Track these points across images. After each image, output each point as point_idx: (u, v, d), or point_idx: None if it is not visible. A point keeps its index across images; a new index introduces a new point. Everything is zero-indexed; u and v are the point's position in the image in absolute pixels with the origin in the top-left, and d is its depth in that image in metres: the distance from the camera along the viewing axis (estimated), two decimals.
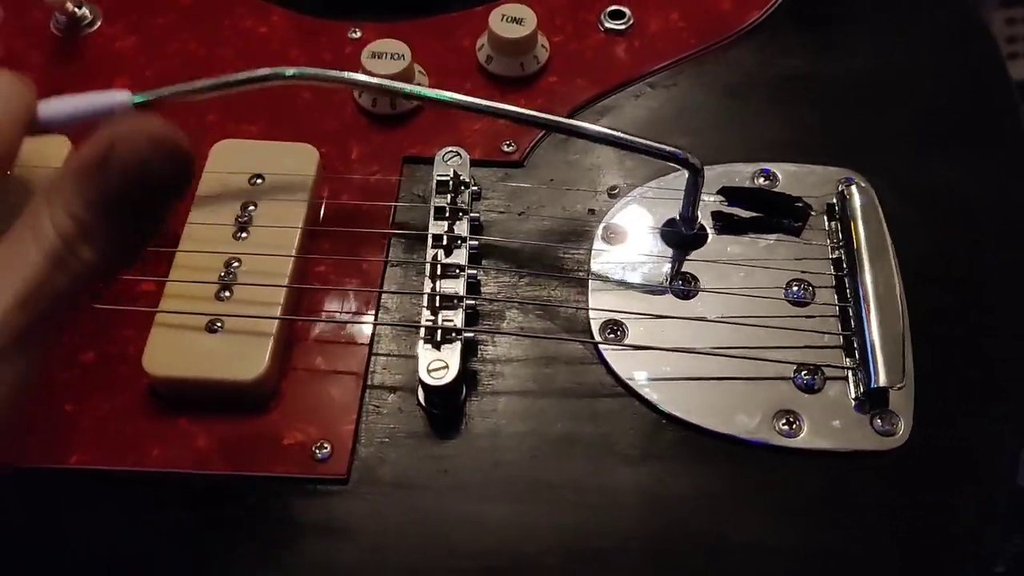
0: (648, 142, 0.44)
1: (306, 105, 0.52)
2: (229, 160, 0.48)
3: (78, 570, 0.39)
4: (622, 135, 0.44)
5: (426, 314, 0.43)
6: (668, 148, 0.43)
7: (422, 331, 0.42)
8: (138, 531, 0.40)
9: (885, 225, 0.47)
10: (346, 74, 0.45)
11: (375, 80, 0.46)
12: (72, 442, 0.41)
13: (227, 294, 0.44)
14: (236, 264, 0.44)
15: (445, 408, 0.43)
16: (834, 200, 0.49)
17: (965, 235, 0.48)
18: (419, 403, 0.43)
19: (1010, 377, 0.44)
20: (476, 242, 0.46)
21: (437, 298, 0.43)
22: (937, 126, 0.52)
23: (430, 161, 0.48)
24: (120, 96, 0.42)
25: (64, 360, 0.43)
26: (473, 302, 0.44)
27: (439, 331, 0.42)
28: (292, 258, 0.45)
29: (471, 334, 0.43)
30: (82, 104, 0.41)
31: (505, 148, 0.50)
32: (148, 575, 0.39)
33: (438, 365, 0.42)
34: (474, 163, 0.49)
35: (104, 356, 0.44)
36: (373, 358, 0.44)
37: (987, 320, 0.45)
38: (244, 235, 0.46)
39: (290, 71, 0.44)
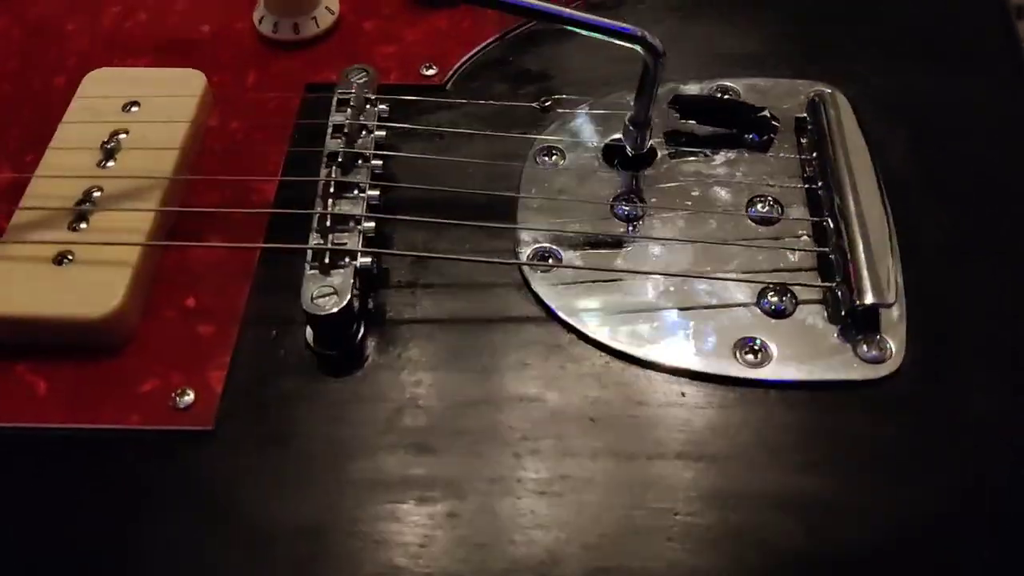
0: (603, 20, 0.37)
1: (203, 38, 0.46)
2: (102, 86, 0.42)
3: None
4: (577, 14, 0.37)
5: (314, 237, 0.36)
6: (624, 26, 0.36)
7: (308, 254, 0.35)
8: None
9: (862, 137, 0.40)
10: None
11: None
12: None
13: (83, 225, 0.37)
14: (97, 192, 0.38)
15: (338, 347, 0.36)
16: (804, 113, 0.42)
17: (947, 148, 0.41)
18: (307, 342, 0.36)
19: (1003, 294, 0.37)
20: (380, 161, 0.39)
21: (328, 219, 0.36)
22: (915, 35, 0.46)
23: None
24: None
25: None
26: (372, 224, 0.37)
27: (327, 253, 0.35)
28: (166, 181, 0.38)
29: (368, 258, 0.36)
30: None
31: (425, 72, 0.44)
32: None
33: (325, 291, 0.34)
34: (390, 88, 0.42)
35: None
36: (254, 293, 0.37)
37: (975, 232, 0.38)
38: (111, 163, 0.39)
39: None
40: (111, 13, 0.47)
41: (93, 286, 0.35)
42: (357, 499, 0.32)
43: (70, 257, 0.36)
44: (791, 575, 0.31)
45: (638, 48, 0.37)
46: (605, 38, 0.37)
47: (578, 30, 0.37)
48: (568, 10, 0.37)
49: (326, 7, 0.46)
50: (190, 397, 0.34)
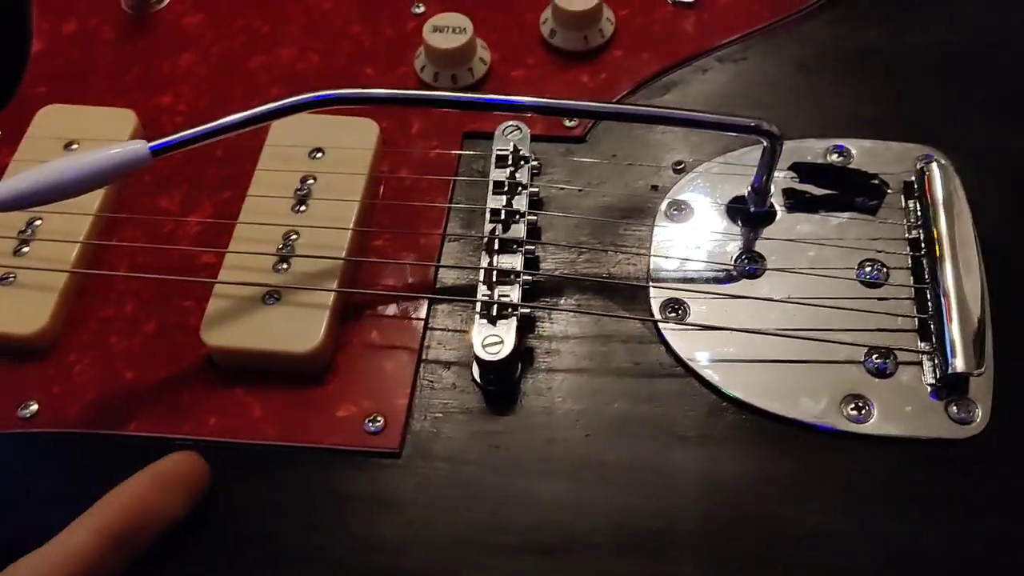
0: (721, 117, 0.42)
1: (368, 81, 0.52)
2: (290, 133, 0.48)
3: None
4: (692, 113, 0.43)
5: (482, 289, 0.42)
6: (743, 120, 0.42)
7: (478, 306, 0.42)
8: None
9: (967, 204, 0.45)
10: (377, 91, 0.43)
11: (401, 93, 0.43)
12: (131, 409, 0.42)
13: (284, 266, 0.44)
14: (294, 236, 0.44)
15: (500, 384, 0.42)
16: (912, 178, 0.46)
17: None
18: (473, 379, 0.42)
19: None
20: (535, 217, 0.45)
21: (494, 273, 0.42)
22: (1018, 100, 0.49)
23: (490, 136, 0.48)
24: (135, 147, 0.40)
25: (126, 329, 0.44)
26: (530, 278, 0.43)
27: (495, 306, 0.41)
28: (350, 231, 0.44)
29: (527, 310, 0.42)
30: (100, 161, 0.39)
31: (567, 123, 0.49)
32: (201, 538, 0.40)
33: (493, 340, 0.41)
34: (535, 138, 0.48)
35: (164, 326, 0.44)
36: (428, 333, 0.44)
37: None
38: (303, 208, 0.46)
39: (316, 95, 0.42)
40: (287, 55, 0.53)
41: (299, 325, 0.42)
42: (514, 515, 0.39)
43: (276, 296, 0.43)
44: None
45: (759, 137, 0.42)
46: (729, 133, 0.42)
47: (702, 128, 0.42)
48: (688, 112, 0.42)
49: (479, 58, 0.51)
50: (380, 423, 0.41)
